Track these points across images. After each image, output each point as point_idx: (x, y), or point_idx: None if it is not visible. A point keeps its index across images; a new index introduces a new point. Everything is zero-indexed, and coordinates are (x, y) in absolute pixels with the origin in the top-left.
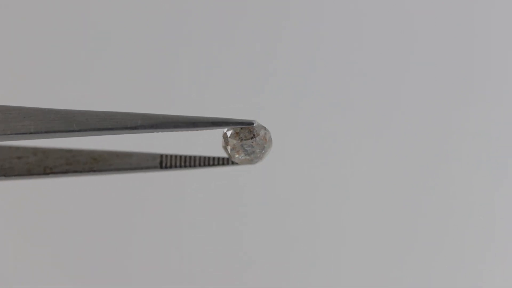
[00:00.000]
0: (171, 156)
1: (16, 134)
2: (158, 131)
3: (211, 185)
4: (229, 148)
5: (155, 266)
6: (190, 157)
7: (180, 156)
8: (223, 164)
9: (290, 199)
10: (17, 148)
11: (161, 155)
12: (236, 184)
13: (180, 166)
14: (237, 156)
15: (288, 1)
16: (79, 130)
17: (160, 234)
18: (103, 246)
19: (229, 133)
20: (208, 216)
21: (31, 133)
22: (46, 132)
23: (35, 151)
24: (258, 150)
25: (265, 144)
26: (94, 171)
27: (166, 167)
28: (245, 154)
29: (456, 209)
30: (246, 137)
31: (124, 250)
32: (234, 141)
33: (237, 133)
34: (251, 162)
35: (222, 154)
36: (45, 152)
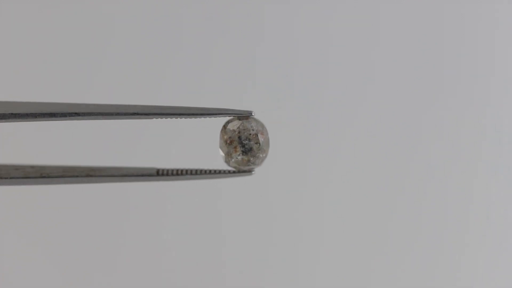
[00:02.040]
0: (167, 170)
1: (19, 114)
2: (156, 118)
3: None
4: (225, 146)
5: (150, 270)
6: (186, 170)
7: (177, 170)
8: (219, 173)
9: (284, 199)
10: (15, 165)
11: (158, 170)
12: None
13: (177, 174)
14: (234, 154)
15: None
16: (83, 114)
17: (154, 238)
18: (97, 249)
19: (227, 125)
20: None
21: (34, 114)
22: (50, 114)
23: (33, 166)
24: (255, 146)
25: (262, 138)
26: (91, 176)
27: (162, 175)
28: (242, 152)
29: (434, 208)
30: (245, 126)
31: (119, 253)
32: (232, 128)
33: (234, 128)
34: (248, 162)
35: (217, 166)
36: (43, 166)
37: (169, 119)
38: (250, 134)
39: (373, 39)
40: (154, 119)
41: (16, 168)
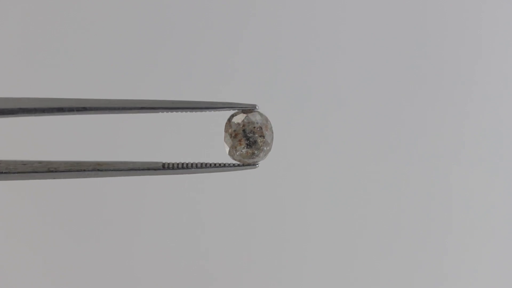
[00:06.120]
0: (173, 164)
1: (27, 109)
2: (163, 112)
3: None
4: (230, 139)
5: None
6: (191, 164)
7: (182, 164)
8: (223, 166)
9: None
10: (23, 160)
11: (163, 164)
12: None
13: (182, 168)
14: (238, 147)
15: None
16: (91, 109)
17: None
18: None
19: (232, 119)
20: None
21: (42, 109)
22: (58, 110)
23: (41, 161)
24: (259, 139)
25: (266, 131)
26: (98, 170)
27: (168, 168)
28: (247, 145)
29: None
30: (249, 120)
31: (120, 250)
32: (237, 122)
33: (239, 122)
34: (252, 155)
35: (222, 159)
36: (50, 162)
37: (174, 113)
38: (254, 127)
39: (371, 39)
40: (160, 113)
41: (24, 163)
